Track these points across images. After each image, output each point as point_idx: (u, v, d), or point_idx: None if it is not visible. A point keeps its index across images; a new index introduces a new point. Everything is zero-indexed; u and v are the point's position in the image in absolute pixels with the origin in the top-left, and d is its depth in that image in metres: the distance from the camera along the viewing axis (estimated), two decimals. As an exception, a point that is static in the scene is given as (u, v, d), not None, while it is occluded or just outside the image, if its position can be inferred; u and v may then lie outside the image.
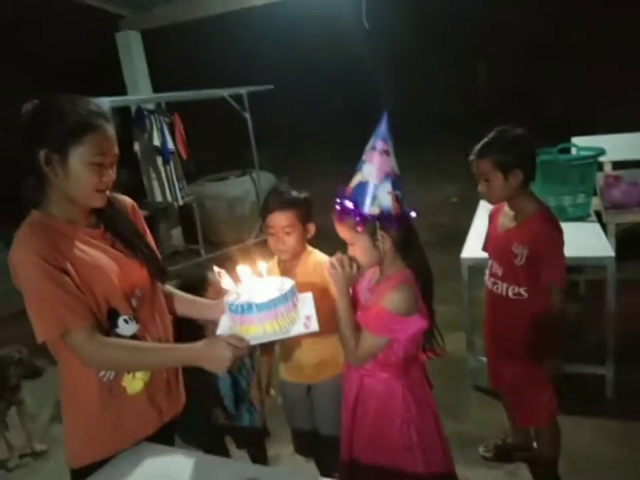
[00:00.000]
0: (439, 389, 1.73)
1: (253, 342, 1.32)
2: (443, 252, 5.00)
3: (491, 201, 1.97)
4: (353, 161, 1.45)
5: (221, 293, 1.70)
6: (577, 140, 4.07)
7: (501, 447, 2.40)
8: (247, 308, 1.31)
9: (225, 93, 5.68)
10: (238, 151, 6.89)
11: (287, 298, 1.36)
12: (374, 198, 1.37)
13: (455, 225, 5.49)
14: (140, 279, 1.40)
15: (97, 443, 1.36)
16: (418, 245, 1.51)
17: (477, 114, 11.27)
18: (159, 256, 1.53)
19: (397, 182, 1.41)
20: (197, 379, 1.84)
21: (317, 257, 1.85)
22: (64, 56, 8.07)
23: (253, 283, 1.43)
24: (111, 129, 1.28)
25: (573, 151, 3.21)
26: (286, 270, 1.84)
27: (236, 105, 5.83)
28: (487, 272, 2.07)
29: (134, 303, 1.37)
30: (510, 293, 1.91)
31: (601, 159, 3.40)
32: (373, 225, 1.39)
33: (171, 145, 5.56)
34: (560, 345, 1.89)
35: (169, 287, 1.63)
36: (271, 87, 6.09)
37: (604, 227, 3.01)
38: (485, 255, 2.65)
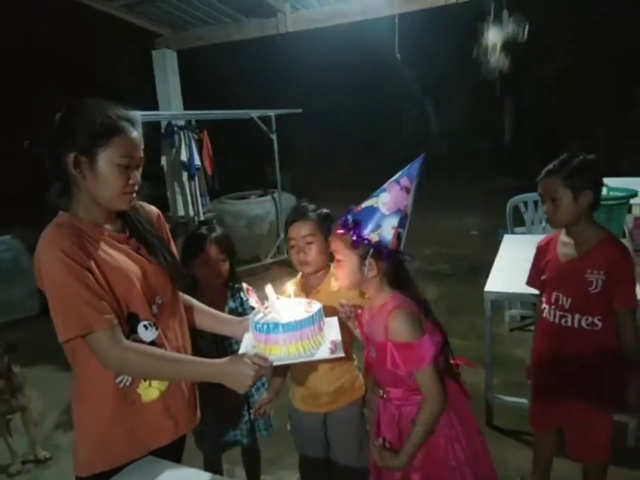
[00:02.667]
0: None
1: (276, 363, 1.30)
2: (462, 284, 4.96)
3: (554, 224, 1.90)
4: (370, 191, 1.47)
5: None
6: (607, 181, 4.03)
7: None
8: (273, 327, 1.30)
9: (254, 114, 5.77)
10: (261, 170, 6.96)
11: (314, 320, 1.33)
12: (377, 226, 1.39)
13: (474, 258, 5.44)
14: (162, 286, 1.40)
15: (109, 450, 1.33)
16: (410, 283, 1.49)
17: (501, 150, 11.29)
18: (181, 265, 1.53)
19: (405, 221, 1.43)
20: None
21: None
22: (98, 70, 8.32)
23: (280, 302, 1.41)
24: (136, 133, 1.30)
25: (604, 190, 3.16)
26: (307, 287, 1.81)
27: (263, 126, 5.92)
28: (546, 306, 1.96)
29: (154, 309, 1.36)
30: (583, 324, 1.83)
31: (632, 201, 3.34)
32: (366, 249, 1.40)
33: (197, 161, 5.63)
34: (635, 374, 1.79)
35: (190, 299, 1.62)
36: (299, 110, 6.18)
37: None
38: (509, 289, 2.61)
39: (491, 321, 2.71)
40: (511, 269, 2.89)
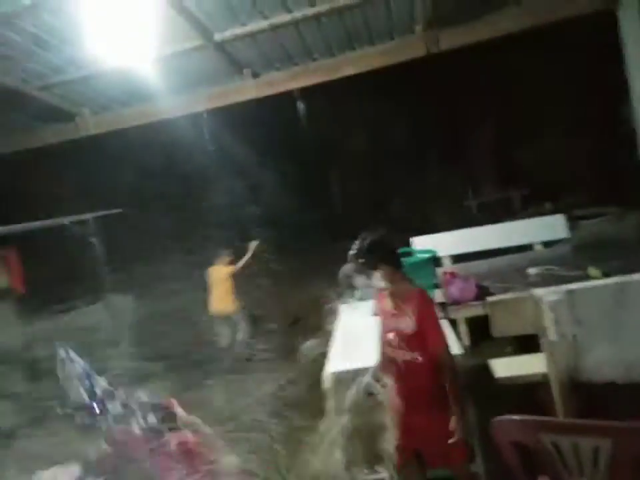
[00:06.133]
0: None
1: None
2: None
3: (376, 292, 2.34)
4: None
5: None
6: (417, 239, 4.53)
7: None
8: None
9: (67, 220, 5.34)
10: (89, 277, 6.40)
11: None
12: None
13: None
14: None
15: None
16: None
17: (333, 218, 11.90)
18: None
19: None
20: None
21: None
22: None
23: None
24: None
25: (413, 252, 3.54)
26: None
27: (82, 231, 5.50)
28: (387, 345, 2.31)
29: None
30: (408, 357, 2.21)
31: (441, 254, 3.78)
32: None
33: (4, 284, 4.96)
34: (459, 395, 2.14)
35: None
36: (120, 210, 5.90)
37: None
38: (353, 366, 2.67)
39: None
40: (350, 342, 2.97)
